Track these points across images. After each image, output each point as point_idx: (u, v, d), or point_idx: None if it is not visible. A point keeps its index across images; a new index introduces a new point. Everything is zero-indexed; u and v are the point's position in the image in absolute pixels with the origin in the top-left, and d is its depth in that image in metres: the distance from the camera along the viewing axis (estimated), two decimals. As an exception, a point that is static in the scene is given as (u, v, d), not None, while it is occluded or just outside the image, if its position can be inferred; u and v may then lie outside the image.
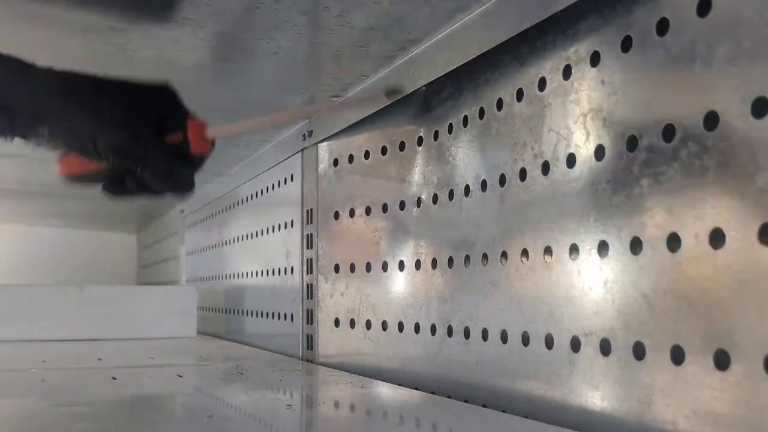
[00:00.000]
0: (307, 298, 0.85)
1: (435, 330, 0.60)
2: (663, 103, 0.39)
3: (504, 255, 0.52)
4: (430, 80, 0.60)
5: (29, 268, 1.98)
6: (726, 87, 0.35)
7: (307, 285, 0.85)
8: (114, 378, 0.66)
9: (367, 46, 0.62)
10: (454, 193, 0.59)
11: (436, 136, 0.62)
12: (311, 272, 0.83)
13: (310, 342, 0.83)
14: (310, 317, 0.84)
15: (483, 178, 0.55)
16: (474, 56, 0.54)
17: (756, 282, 0.33)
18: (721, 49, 0.35)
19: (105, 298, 1.18)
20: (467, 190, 0.58)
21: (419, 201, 0.64)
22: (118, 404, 0.55)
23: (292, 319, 0.89)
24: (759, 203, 0.33)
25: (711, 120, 0.36)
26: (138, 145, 0.49)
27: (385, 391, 0.60)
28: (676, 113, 0.38)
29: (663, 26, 0.39)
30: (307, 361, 0.83)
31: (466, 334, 0.55)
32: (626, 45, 0.42)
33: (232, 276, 1.20)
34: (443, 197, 0.60)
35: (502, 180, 0.53)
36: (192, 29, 0.59)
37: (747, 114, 0.34)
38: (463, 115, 0.58)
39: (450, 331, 0.58)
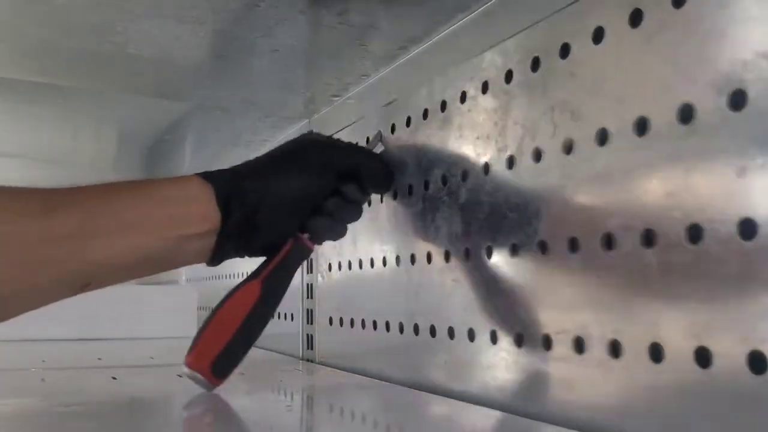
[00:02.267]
0: (307, 297, 0.85)
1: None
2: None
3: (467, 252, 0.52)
4: (430, 79, 0.60)
5: (30, 269, 1.97)
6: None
7: (307, 285, 0.85)
8: (114, 378, 0.66)
9: (368, 45, 0.62)
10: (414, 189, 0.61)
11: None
12: (311, 271, 0.83)
13: (310, 342, 0.83)
14: (310, 317, 0.84)
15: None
16: (474, 55, 0.54)
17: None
18: (720, 46, 0.35)
19: (105, 298, 1.17)
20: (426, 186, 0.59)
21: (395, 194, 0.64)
22: (118, 404, 0.55)
23: (292, 319, 0.89)
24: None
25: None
26: None
27: (386, 391, 0.60)
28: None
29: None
30: (307, 361, 0.83)
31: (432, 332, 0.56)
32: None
33: (232, 276, 1.20)
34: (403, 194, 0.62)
35: (464, 175, 0.54)
36: (192, 27, 0.59)
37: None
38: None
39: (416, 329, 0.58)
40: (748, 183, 0.32)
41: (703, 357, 0.34)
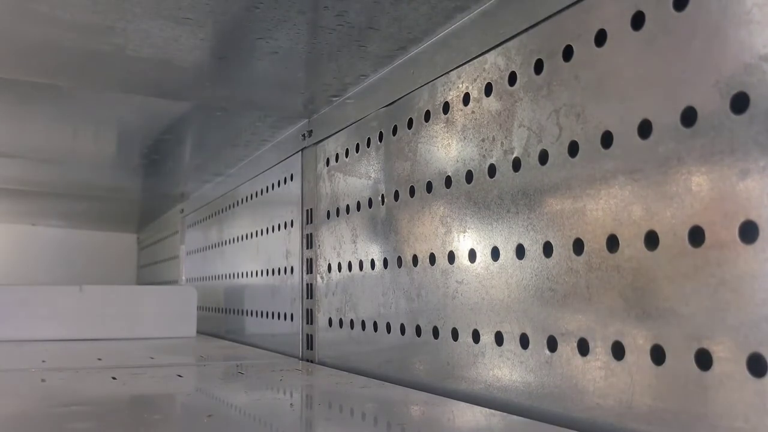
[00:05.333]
0: (307, 297, 0.85)
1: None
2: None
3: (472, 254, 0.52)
4: (430, 80, 0.60)
5: (29, 268, 1.98)
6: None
7: (307, 285, 0.85)
8: (114, 378, 0.66)
9: (367, 46, 0.62)
10: (415, 190, 0.61)
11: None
12: (311, 272, 0.83)
13: (310, 342, 0.83)
14: (309, 317, 0.84)
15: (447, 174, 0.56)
16: (474, 56, 0.54)
17: (756, 282, 0.33)
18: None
19: (105, 298, 1.18)
20: (429, 187, 0.59)
21: (396, 195, 0.64)
22: (118, 404, 0.55)
23: (291, 319, 0.89)
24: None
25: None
26: None
27: (386, 391, 0.60)
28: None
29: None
30: (307, 361, 0.84)
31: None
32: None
33: (232, 276, 1.20)
34: (404, 195, 0.61)
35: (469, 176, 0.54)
36: (192, 29, 0.59)
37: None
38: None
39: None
40: (750, 185, 0.32)
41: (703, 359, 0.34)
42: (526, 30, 0.48)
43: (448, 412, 0.50)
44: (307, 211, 0.86)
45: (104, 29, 0.60)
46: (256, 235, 1.07)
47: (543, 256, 0.46)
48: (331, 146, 0.79)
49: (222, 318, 1.24)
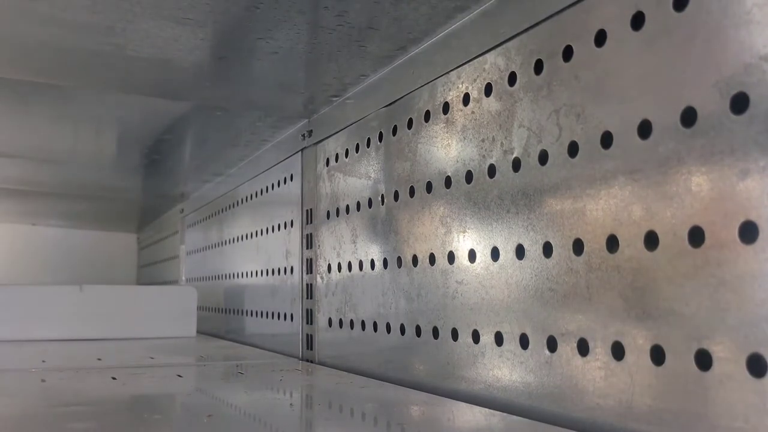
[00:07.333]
0: (307, 297, 0.85)
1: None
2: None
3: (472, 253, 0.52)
4: (430, 80, 0.60)
5: (29, 268, 1.98)
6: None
7: (307, 285, 0.85)
8: (114, 378, 0.66)
9: (367, 46, 0.62)
10: (415, 190, 0.60)
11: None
12: (311, 272, 0.83)
13: (310, 342, 0.83)
14: (309, 317, 0.84)
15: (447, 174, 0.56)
16: (474, 56, 0.54)
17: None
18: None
19: (105, 298, 1.18)
20: (429, 187, 0.59)
21: (396, 195, 0.64)
22: (118, 404, 0.55)
23: (291, 319, 0.89)
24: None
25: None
26: None
27: (386, 391, 0.60)
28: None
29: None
30: (307, 361, 0.84)
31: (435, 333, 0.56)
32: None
33: (232, 276, 1.20)
34: (404, 195, 0.61)
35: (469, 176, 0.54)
36: (192, 29, 0.59)
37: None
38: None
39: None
40: (750, 185, 0.32)
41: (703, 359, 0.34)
42: (526, 30, 0.48)
43: (448, 412, 0.50)
44: (307, 211, 0.86)
45: (104, 29, 0.60)
46: (256, 235, 1.07)
47: (543, 257, 0.46)
48: (331, 146, 0.80)
49: (222, 318, 1.24)
